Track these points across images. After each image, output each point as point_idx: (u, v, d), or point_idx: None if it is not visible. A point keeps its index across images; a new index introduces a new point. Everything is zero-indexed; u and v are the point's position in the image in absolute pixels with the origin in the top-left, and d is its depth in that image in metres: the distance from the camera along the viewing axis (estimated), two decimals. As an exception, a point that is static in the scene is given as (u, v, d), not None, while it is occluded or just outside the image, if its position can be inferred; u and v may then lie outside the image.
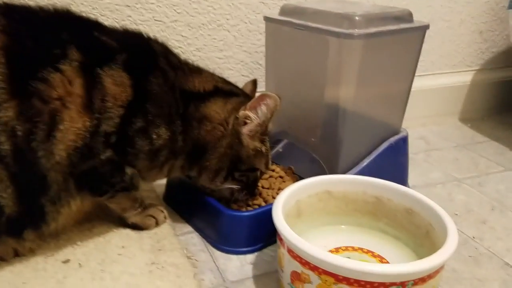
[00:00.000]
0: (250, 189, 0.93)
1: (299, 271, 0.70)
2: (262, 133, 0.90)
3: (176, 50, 0.93)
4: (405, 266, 0.64)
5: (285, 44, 1.04)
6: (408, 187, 1.13)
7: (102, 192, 0.80)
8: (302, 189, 0.86)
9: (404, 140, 1.11)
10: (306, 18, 0.97)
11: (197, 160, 0.87)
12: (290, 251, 0.71)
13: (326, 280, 0.66)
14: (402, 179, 1.13)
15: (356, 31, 0.88)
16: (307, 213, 0.87)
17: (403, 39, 1.00)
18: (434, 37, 1.52)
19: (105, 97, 0.72)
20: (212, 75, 0.90)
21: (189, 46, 1.19)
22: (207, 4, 1.17)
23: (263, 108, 0.86)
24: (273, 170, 1.12)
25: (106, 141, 0.74)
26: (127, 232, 0.88)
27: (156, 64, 0.81)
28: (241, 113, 0.86)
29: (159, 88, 0.79)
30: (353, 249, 0.84)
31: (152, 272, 0.77)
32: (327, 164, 1.03)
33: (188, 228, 0.96)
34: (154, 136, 0.79)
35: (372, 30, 0.91)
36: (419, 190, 1.14)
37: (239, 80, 1.30)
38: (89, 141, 0.72)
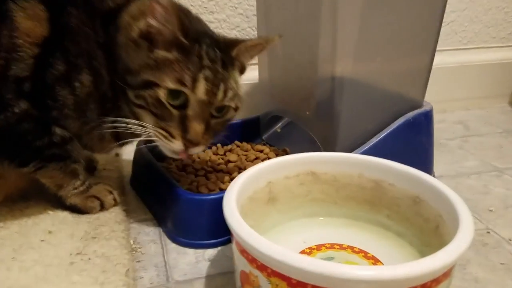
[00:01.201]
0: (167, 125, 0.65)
1: (247, 270, 0.51)
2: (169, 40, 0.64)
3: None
4: (389, 269, 0.43)
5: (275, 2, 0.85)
6: (433, 176, 0.91)
7: (24, 159, 0.66)
8: (277, 167, 0.67)
9: (426, 116, 0.88)
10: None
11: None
12: (237, 244, 0.52)
13: (277, 285, 0.47)
14: (424, 165, 0.90)
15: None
16: (283, 199, 0.68)
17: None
18: (477, 2, 1.26)
19: (13, 32, 0.58)
20: None
21: (173, 7, 1.03)
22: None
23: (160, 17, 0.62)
24: (261, 151, 0.94)
25: (18, 89, 0.60)
26: (65, 215, 0.72)
27: None
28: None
29: (78, 20, 0.63)
30: (341, 247, 0.64)
31: (74, 264, 0.61)
32: (324, 143, 0.83)
33: (147, 215, 0.79)
34: (77, 84, 0.63)
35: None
36: (448, 181, 0.93)
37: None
38: None
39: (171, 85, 0.61)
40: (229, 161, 0.90)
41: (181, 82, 0.61)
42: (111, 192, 0.75)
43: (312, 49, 0.79)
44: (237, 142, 0.98)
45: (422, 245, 0.61)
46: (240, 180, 0.61)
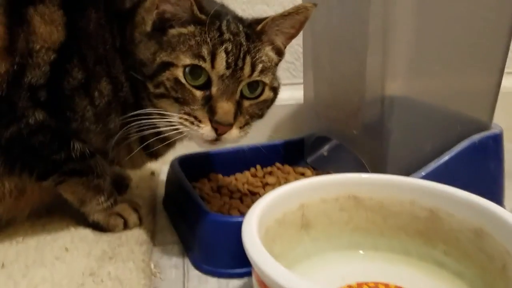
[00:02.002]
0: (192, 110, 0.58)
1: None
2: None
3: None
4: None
5: (320, 2, 0.78)
6: (503, 207, 0.78)
7: (42, 172, 0.62)
8: (312, 188, 0.59)
9: (495, 140, 0.76)
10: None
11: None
12: (256, 276, 0.45)
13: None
14: (492, 195, 0.75)
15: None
16: (319, 225, 0.59)
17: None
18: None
19: (30, 36, 0.56)
20: None
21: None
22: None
23: None
24: (302, 174, 0.86)
25: (33, 98, 0.57)
26: (86, 232, 0.68)
27: None
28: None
29: (96, 25, 0.59)
30: (386, 287, 0.54)
31: (84, 285, 0.56)
32: (372, 166, 0.73)
33: (173, 238, 0.73)
34: (96, 94, 0.59)
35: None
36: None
37: (281, 66, 1.06)
38: (7, 94, 0.55)
39: (188, 60, 0.56)
40: (267, 184, 0.83)
41: (198, 56, 0.55)
42: (136, 211, 0.70)
43: (360, 64, 0.71)
44: (278, 164, 0.91)
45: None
46: (267, 199, 0.53)
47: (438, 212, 0.56)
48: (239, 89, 0.58)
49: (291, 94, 1.04)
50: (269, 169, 0.90)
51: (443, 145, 0.73)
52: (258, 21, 0.62)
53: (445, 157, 0.72)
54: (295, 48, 1.05)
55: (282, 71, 1.07)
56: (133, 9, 0.61)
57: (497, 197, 0.78)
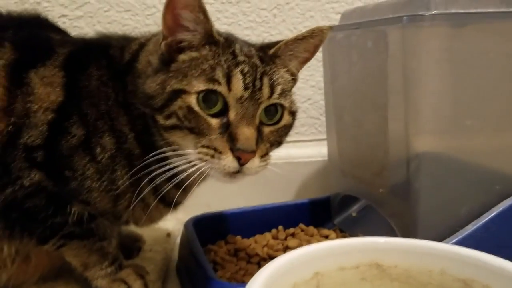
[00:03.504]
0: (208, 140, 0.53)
1: None
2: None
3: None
4: None
5: (341, 58, 0.76)
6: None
7: (41, 237, 0.59)
8: (328, 253, 0.53)
9: (542, 200, 0.68)
10: (365, 16, 0.69)
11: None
12: None
13: None
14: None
15: (429, 12, 0.57)
16: (338, 298, 0.52)
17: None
18: None
19: (28, 97, 0.55)
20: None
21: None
22: (262, 29, 0.98)
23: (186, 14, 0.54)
24: (326, 237, 0.79)
25: (29, 158, 0.55)
26: (89, 299, 0.63)
27: (105, 52, 0.61)
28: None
29: (98, 82, 0.58)
30: None
31: None
32: (401, 229, 0.67)
33: (183, 307, 0.67)
34: (98, 149, 0.57)
35: (457, 10, 0.58)
36: None
37: (307, 122, 1.03)
38: (1, 155, 0.53)
39: (201, 86, 0.52)
40: (287, 247, 0.77)
41: (212, 80, 0.52)
42: (142, 277, 0.66)
43: (382, 120, 0.67)
44: (302, 226, 0.85)
45: None
46: (275, 265, 0.47)
47: (473, 284, 0.48)
48: (258, 112, 0.54)
49: (317, 150, 1.00)
50: (292, 230, 0.84)
51: (481, 207, 0.66)
52: (270, 45, 0.59)
53: (484, 219, 0.64)
54: (320, 104, 1.02)
55: (308, 127, 1.04)
56: (133, 59, 0.60)
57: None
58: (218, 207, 0.85)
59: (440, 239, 0.63)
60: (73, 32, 0.95)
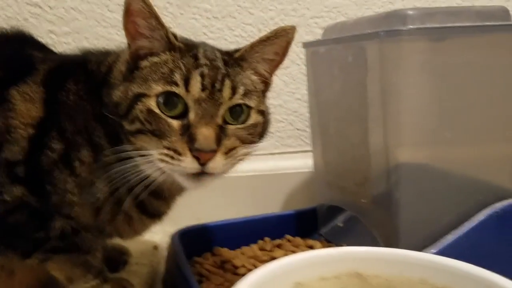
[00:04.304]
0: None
1: None
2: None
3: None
4: None
5: (324, 72, 0.77)
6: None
7: (24, 251, 0.59)
8: (308, 264, 0.53)
9: (522, 208, 0.69)
10: (345, 31, 0.71)
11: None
12: None
13: None
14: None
15: (406, 27, 0.59)
16: (319, 308, 0.53)
17: (496, 45, 0.65)
18: None
19: (9, 113, 0.56)
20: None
21: (227, 93, 1.00)
22: (247, 43, 0.98)
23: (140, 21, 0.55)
24: (311, 247, 0.80)
25: (10, 174, 0.55)
26: (74, 313, 0.63)
27: (83, 67, 0.62)
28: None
29: (76, 96, 0.59)
30: None
31: None
32: (384, 238, 0.67)
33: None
34: (77, 163, 0.57)
35: (434, 25, 0.60)
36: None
37: (293, 134, 1.04)
38: None
39: (160, 88, 0.53)
40: (274, 258, 0.77)
41: (170, 82, 0.53)
42: (125, 289, 0.66)
43: (363, 132, 0.68)
44: (288, 237, 0.86)
45: None
46: (254, 276, 0.48)
47: (452, 293, 0.49)
48: (219, 112, 0.54)
49: (303, 162, 1.01)
50: (278, 241, 0.85)
51: (462, 216, 0.67)
52: (237, 50, 0.60)
53: (464, 229, 0.65)
54: (306, 116, 1.03)
55: (294, 139, 1.05)
56: (108, 72, 0.60)
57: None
58: (207, 219, 0.85)
59: (422, 248, 0.64)
60: (61, 48, 0.96)
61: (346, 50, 0.68)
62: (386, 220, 0.66)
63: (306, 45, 0.81)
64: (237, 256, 0.79)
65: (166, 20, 0.96)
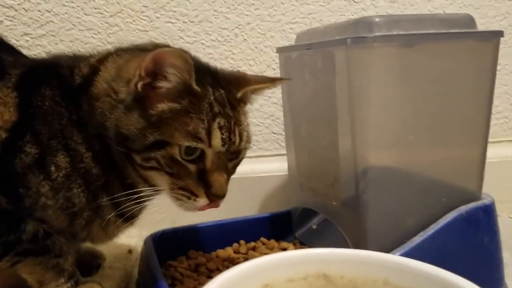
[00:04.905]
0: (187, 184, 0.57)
1: None
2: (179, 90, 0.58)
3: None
4: None
5: (296, 77, 0.78)
6: (504, 286, 0.72)
7: None
8: (277, 265, 0.54)
9: (486, 211, 0.71)
10: (316, 37, 0.72)
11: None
12: None
13: None
14: (489, 273, 0.71)
15: (372, 34, 0.60)
16: (286, 309, 0.54)
17: (461, 52, 0.67)
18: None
19: None
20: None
21: (203, 97, 1.00)
22: (224, 48, 1.00)
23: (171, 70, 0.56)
24: (284, 249, 0.81)
25: None
26: (45, 317, 0.63)
27: (55, 72, 0.62)
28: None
29: (52, 101, 0.59)
30: None
31: None
32: (353, 240, 0.69)
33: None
34: (52, 168, 0.58)
35: (400, 32, 0.61)
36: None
37: (269, 137, 1.05)
38: None
39: (185, 142, 0.55)
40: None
41: (195, 137, 0.55)
42: (97, 292, 0.66)
43: (333, 135, 0.70)
44: (263, 239, 0.87)
45: None
46: (223, 278, 0.49)
47: (414, 293, 0.50)
48: (230, 159, 0.60)
49: (279, 165, 1.02)
50: (253, 244, 0.86)
51: (428, 219, 0.69)
52: (232, 81, 0.62)
53: (430, 231, 0.67)
54: (282, 120, 1.04)
55: (270, 142, 1.06)
56: (86, 83, 0.61)
57: (495, 275, 0.72)
58: (183, 223, 0.86)
59: (389, 250, 0.65)
60: (36, 51, 0.96)
61: (316, 55, 0.69)
62: (355, 222, 0.67)
63: (280, 50, 0.82)
64: (212, 259, 0.80)
65: (143, 23, 0.97)
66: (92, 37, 0.97)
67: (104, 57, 0.63)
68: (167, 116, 0.56)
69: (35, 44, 0.96)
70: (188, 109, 0.56)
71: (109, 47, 0.91)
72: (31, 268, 0.62)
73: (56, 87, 0.60)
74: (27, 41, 0.95)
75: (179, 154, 0.56)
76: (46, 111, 0.59)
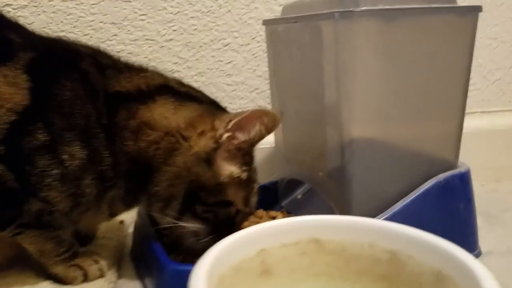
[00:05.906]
0: (219, 232, 0.65)
1: None
2: (245, 153, 0.67)
3: (173, 74, 0.76)
4: None
5: (283, 51, 0.80)
6: (477, 251, 0.77)
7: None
8: (272, 232, 0.57)
9: (462, 179, 0.76)
10: (303, 10, 0.74)
11: (142, 185, 0.65)
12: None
13: None
14: (464, 237, 0.77)
15: (359, 8, 0.62)
16: (280, 272, 0.58)
17: (441, 27, 0.70)
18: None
19: None
20: (162, 74, 0.70)
21: (189, 70, 1.01)
22: (208, 19, 1.00)
23: (257, 128, 0.65)
24: (274, 218, 0.85)
25: None
26: (45, 285, 0.66)
27: (75, 65, 0.63)
28: (220, 130, 0.64)
29: (73, 94, 0.60)
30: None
31: None
32: (340, 208, 0.73)
33: (138, 289, 0.71)
34: (65, 156, 0.59)
35: (384, 6, 0.64)
36: (499, 258, 0.77)
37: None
38: None
39: (241, 206, 0.67)
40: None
41: (246, 203, 0.68)
42: (97, 262, 0.68)
43: (320, 108, 0.72)
44: (251, 209, 0.90)
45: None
46: (221, 245, 0.52)
47: (398, 255, 0.55)
48: None
49: (265, 138, 1.04)
50: (241, 213, 0.89)
51: (408, 187, 0.73)
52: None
53: (410, 198, 0.71)
54: (267, 93, 1.07)
55: (256, 116, 1.08)
56: (141, 98, 0.65)
57: (469, 239, 0.77)
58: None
59: (373, 216, 0.69)
60: (18, 22, 0.94)
61: (303, 29, 0.71)
62: (340, 191, 0.71)
63: (266, 22, 0.83)
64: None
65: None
66: (75, 7, 0.96)
67: (159, 88, 0.66)
68: (233, 181, 0.65)
69: (17, 15, 0.94)
70: (242, 177, 0.66)
71: (91, 18, 0.91)
72: (33, 239, 0.64)
73: (78, 81, 0.61)
74: (9, 12, 0.93)
75: (233, 214, 0.66)
76: (64, 103, 0.59)
